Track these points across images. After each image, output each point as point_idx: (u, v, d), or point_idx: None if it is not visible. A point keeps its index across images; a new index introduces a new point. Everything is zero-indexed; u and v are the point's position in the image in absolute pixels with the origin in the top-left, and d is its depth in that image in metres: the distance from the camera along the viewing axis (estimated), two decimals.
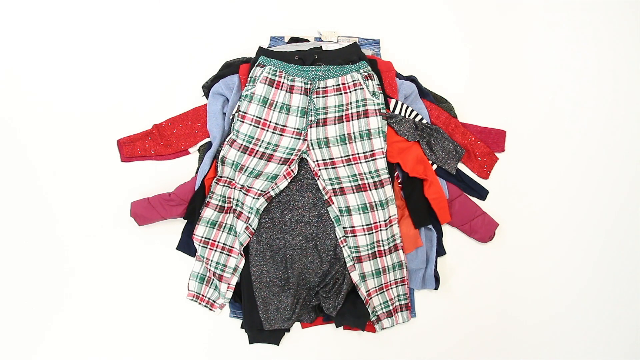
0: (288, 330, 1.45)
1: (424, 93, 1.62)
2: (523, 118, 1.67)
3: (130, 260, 1.50)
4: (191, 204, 1.47)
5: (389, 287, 1.46)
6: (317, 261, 1.44)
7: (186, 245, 1.49)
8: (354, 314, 1.42)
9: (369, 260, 1.44)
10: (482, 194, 1.58)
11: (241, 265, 1.43)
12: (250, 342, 1.43)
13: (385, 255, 1.45)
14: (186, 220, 1.50)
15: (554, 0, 1.80)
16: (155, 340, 1.45)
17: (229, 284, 1.43)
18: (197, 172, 1.54)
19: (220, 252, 1.44)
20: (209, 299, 1.46)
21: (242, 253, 1.42)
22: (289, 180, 1.45)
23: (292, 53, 1.53)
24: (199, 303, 1.46)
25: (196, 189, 1.49)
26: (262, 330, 1.42)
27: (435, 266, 1.49)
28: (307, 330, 1.47)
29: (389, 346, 1.47)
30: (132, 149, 1.55)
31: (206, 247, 1.45)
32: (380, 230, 1.44)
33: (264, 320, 1.41)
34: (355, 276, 1.41)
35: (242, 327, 1.44)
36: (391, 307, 1.46)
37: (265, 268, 1.43)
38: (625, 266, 1.57)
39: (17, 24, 1.66)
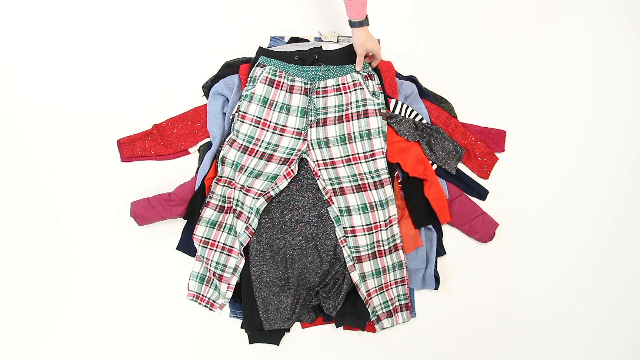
0: (288, 330, 1.45)
1: (424, 93, 1.62)
2: (523, 118, 1.67)
3: (130, 261, 1.49)
4: (191, 204, 1.47)
5: (389, 287, 1.46)
6: (317, 261, 1.44)
7: (186, 245, 1.49)
8: (354, 314, 1.42)
9: (369, 260, 1.44)
10: (482, 194, 1.58)
11: (241, 265, 1.43)
12: (250, 342, 1.43)
13: (385, 255, 1.45)
14: (186, 220, 1.51)
15: (554, 1, 1.80)
16: (155, 340, 1.45)
17: (229, 284, 1.43)
18: (197, 172, 1.54)
19: (220, 252, 1.44)
20: (209, 299, 1.46)
21: (242, 253, 1.42)
22: (289, 180, 1.45)
23: (292, 53, 1.53)
24: (199, 303, 1.46)
25: (196, 189, 1.49)
26: (262, 330, 1.42)
27: (435, 266, 1.49)
28: (307, 330, 1.47)
29: (389, 346, 1.46)
30: (132, 149, 1.55)
31: (206, 247, 1.45)
32: (380, 230, 1.44)
33: (264, 320, 1.41)
34: (355, 276, 1.41)
35: (242, 327, 1.44)
36: (391, 307, 1.46)
37: (265, 268, 1.43)
38: (625, 266, 1.57)
39: (18, 23, 1.66)
